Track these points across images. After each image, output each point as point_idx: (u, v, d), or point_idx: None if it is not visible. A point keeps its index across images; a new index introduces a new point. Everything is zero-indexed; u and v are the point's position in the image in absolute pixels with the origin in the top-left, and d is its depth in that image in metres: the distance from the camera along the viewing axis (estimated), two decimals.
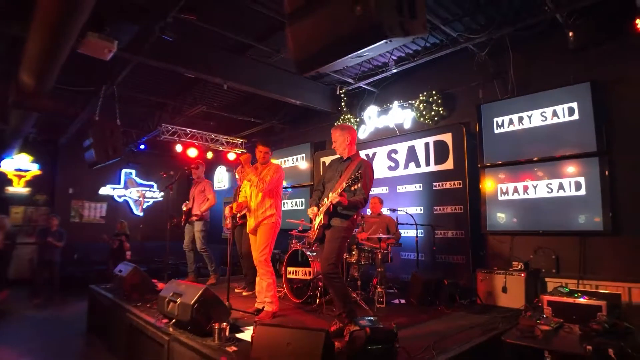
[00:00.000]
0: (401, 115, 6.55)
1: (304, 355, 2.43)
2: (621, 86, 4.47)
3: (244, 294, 5.59)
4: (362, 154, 6.91)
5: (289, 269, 5.18)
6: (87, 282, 7.70)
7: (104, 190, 9.91)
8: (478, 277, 4.92)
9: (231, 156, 8.97)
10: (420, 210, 5.84)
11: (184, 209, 6.23)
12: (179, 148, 8.07)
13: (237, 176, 4.84)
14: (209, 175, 10.57)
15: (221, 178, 10.51)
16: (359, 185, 3.41)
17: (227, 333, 3.19)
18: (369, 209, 5.75)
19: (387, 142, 6.55)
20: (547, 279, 4.75)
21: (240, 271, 6.04)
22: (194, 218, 6.15)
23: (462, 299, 4.84)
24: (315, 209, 3.64)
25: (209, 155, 8.80)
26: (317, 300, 4.67)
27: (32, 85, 4.35)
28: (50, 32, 3.37)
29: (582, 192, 4.55)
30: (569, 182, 4.66)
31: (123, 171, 10.10)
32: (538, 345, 3.07)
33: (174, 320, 3.50)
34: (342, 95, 7.29)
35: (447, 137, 5.72)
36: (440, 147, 5.79)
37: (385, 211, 5.63)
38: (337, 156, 3.84)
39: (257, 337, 2.55)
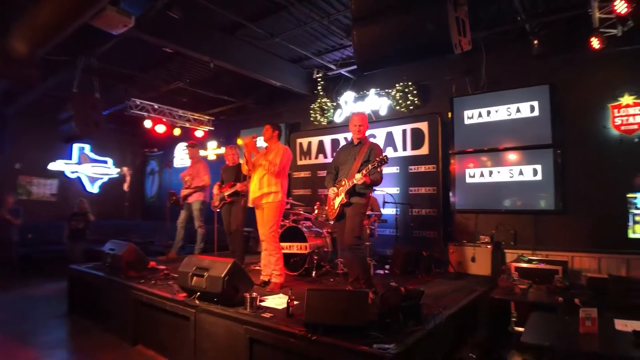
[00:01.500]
0: (377, 102, 7.02)
1: (353, 310, 2.83)
2: (572, 90, 5.32)
3: None
4: (341, 136, 7.35)
5: (283, 244, 5.46)
6: (47, 263, 7.40)
7: (55, 166, 9.24)
8: (450, 249, 5.65)
9: (198, 133, 8.87)
10: (397, 190, 6.42)
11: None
12: (148, 124, 7.84)
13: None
14: (170, 153, 10.31)
15: (182, 155, 10.28)
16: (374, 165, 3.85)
17: (258, 302, 3.49)
18: None
19: (370, 126, 6.98)
20: (506, 250, 5.59)
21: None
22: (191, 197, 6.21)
23: (437, 269, 5.55)
24: (335, 189, 4.00)
25: (176, 132, 8.63)
26: (314, 272, 5.08)
27: (22, 54, 4.09)
28: (72, 3, 3.26)
29: (539, 177, 5.40)
30: (527, 169, 5.49)
31: (75, 145, 9.46)
32: (520, 299, 3.79)
33: (198, 294, 3.69)
34: (319, 80, 7.57)
35: (423, 126, 6.32)
36: (417, 134, 6.38)
37: None
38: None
39: (309, 300, 2.89)
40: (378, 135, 6.82)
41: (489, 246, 5.34)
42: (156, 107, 7.94)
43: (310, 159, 7.74)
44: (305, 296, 2.94)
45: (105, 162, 10.08)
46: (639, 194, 4.67)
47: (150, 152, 10.36)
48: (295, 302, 3.33)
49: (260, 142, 5.02)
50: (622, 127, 4.97)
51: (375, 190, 6.03)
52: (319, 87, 7.62)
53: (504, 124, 5.70)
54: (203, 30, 5.83)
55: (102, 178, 9.88)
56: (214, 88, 7.98)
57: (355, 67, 6.95)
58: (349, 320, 2.82)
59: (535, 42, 5.39)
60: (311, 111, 7.78)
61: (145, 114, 7.76)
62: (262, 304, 3.67)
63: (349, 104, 7.36)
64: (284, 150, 4.59)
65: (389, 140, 6.68)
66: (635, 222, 4.69)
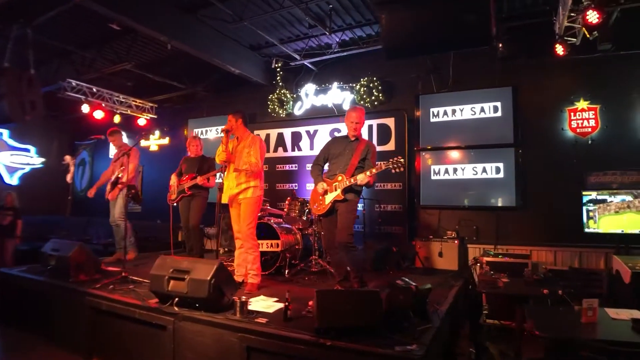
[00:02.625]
0: (340, 96, 6.91)
1: (366, 311, 2.67)
2: (533, 93, 5.65)
3: None
4: (302, 130, 7.13)
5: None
6: None
7: None
8: (417, 244, 5.72)
9: (141, 121, 8.08)
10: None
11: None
12: (85, 108, 6.93)
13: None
14: (104, 142, 9.26)
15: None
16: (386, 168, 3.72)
17: (248, 307, 3.18)
18: None
19: (330, 120, 6.86)
20: (468, 245, 5.79)
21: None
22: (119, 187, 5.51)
23: (405, 264, 5.59)
24: (324, 184, 3.79)
25: (116, 119, 7.78)
26: (286, 271, 4.82)
27: None
28: None
29: (501, 175, 5.66)
30: (490, 167, 5.72)
31: None
32: (502, 292, 3.89)
33: (176, 299, 3.27)
34: (278, 70, 7.27)
35: (390, 121, 6.33)
36: (383, 129, 6.37)
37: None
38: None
39: (321, 302, 2.67)
40: (343, 130, 6.68)
41: (455, 241, 5.48)
42: (94, 90, 7.05)
43: (268, 152, 7.40)
44: (315, 298, 2.71)
45: (27, 150, 8.79)
46: (593, 192, 5.09)
47: (81, 141, 9.25)
48: (286, 304, 3.08)
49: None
50: (578, 130, 5.38)
51: None
52: (278, 78, 7.32)
53: (469, 123, 5.89)
54: (162, 6, 5.26)
55: (23, 169, 8.59)
56: (162, 72, 7.29)
57: (317, 59, 6.79)
58: (361, 321, 2.66)
59: (500, 45, 5.64)
60: (269, 102, 7.45)
61: (82, 97, 6.86)
62: (251, 307, 3.36)
63: (310, 96, 7.16)
64: (259, 143, 4.27)
65: None
66: (589, 218, 5.09)
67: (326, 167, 4.13)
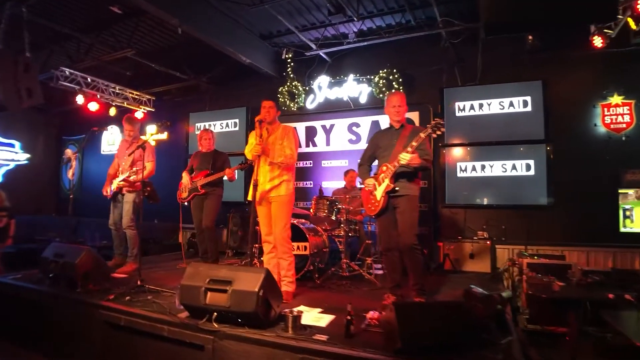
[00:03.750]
0: (356, 89, 6.55)
1: (453, 326, 2.35)
2: (564, 87, 5.44)
3: None
4: (317, 124, 6.75)
5: None
6: None
7: None
8: (444, 245, 5.44)
9: (138, 115, 7.52)
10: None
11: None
12: (80, 99, 6.34)
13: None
14: (96, 137, 8.64)
15: (113, 140, 8.70)
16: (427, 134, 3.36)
17: (301, 321, 2.79)
18: (345, 183, 5.68)
19: (347, 114, 6.51)
20: (496, 246, 5.54)
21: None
22: (126, 188, 4.95)
23: (432, 266, 5.31)
24: (372, 180, 3.44)
25: (112, 111, 7.21)
26: (316, 276, 4.44)
27: None
28: None
29: (532, 172, 5.43)
30: (520, 164, 5.48)
31: None
32: (563, 296, 3.61)
33: (215, 314, 2.85)
34: (289, 60, 6.86)
35: (414, 115, 6.01)
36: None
37: (358, 185, 5.65)
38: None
39: (402, 317, 2.31)
40: (362, 124, 6.37)
41: (487, 242, 5.23)
42: (89, 80, 6.47)
43: None
44: (393, 313, 2.35)
45: (12, 145, 8.07)
46: (629, 190, 4.91)
47: (70, 136, 8.58)
48: (349, 319, 2.71)
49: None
50: (612, 126, 5.19)
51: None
52: (289, 69, 6.90)
53: (497, 118, 5.64)
54: None
55: (7, 165, 7.88)
56: (164, 61, 6.77)
57: (335, 49, 6.41)
58: (448, 337, 2.33)
59: (530, 37, 5.40)
60: (279, 95, 7.01)
61: (77, 87, 6.27)
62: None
63: (323, 89, 6.77)
64: (293, 133, 3.88)
65: (375, 129, 6.23)
66: (625, 217, 4.92)
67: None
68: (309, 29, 6.24)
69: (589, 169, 5.21)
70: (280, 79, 7.05)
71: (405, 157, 3.20)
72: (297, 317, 2.75)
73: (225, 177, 4.94)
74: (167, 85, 7.53)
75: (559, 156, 5.36)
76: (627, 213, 4.90)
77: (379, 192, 3.41)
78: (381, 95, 6.30)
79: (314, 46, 6.36)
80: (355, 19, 5.50)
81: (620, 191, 4.92)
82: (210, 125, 7.53)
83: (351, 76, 6.57)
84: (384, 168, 3.40)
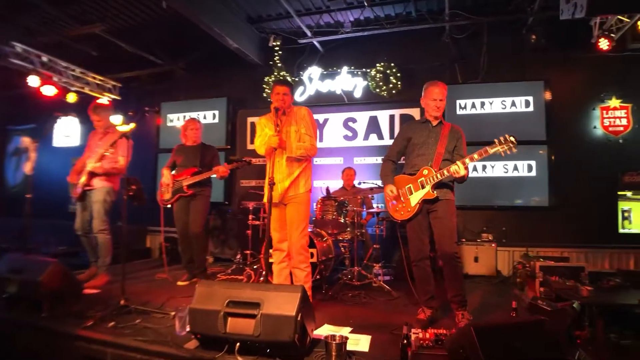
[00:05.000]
0: (351, 82, 6.17)
1: (534, 346, 2.05)
2: (565, 88, 5.39)
3: (179, 283, 4.42)
4: None
5: (272, 251, 4.25)
6: None
7: None
8: None
9: (102, 102, 6.63)
10: (380, 183, 5.70)
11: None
12: (34, 81, 5.42)
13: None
14: (47, 126, 7.57)
15: (68, 131, 7.68)
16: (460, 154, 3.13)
17: (346, 347, 2.37)
18: (343, 182, 5.29)
19: (342, 109, 6.11)
20: (497, 248, 5.40)
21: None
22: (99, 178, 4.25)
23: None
24: (390, 188, 3.09)
25: (71, 98, 6.30)
26: (325, 286, 4.03)
27: None
28: None
29: (533, 173, 5.33)
30: (522, 165, 5.38)
31: None
32: (593, 302, 3.45)
33: (238, 345, 2.35)
34: (277, 49, 6.33)
35: (414, 112, 5.73)
36: (407, 121, 5.75)
37: (356, 184, 5.29)
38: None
39: (483, 344, 1.97)
40: (359, 120, 6.00)
41: (492, 245, 5.07)
42: (45, 60, 5.55)
43: None
44: (473, 335, 1.99)
45: None
46: (628, 192, 4.94)
47: (16, 126, 7.46)
48: (404, 342, 2.33)
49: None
50: (610, 129, 5.21)
51: (363, 183, 5.29)
52: (276, 58, 6.36)
53: (499, 117, 5.50)
54: None
55: None
56: (137, 42, 5.99)
57: (331, 37, 5.99)
58: None
59: (533, 36, 5.29)
60: (264, 85, 6.47)
61: (30, 66, 5.35)
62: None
63: (314, 81, 6.31)
64: (310, 115, 3.41)
65: (373, 126, 5.93)
66: (624, 218, 4.94)
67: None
68: (303, 15, 5.76)
69: (589, 171, 5.20)
70: (266, 68, 6.50)
71: (459, 171, 2.88)
72: (342, 345, 2.32)
73: (213, 176, 4.37)
74: (137, 70, 6.72)
75: (560, 157, 5.31)
76: (626, 214, 4.93)
77: (415, 198, 3.05)
78: (377, 90, 5.97)
79: (309, 33, 5.89)
80: (364, 2, 5.06)
81: (619, 193, 4.93)
82: (184, 117, 6.82)
83: (345, 68, 6.17)
84: (425, 172, 3.04)
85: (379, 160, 5.83)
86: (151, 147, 6.86)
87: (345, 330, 2.89)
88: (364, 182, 5.38)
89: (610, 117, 5.21)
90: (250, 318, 2.34)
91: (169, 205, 4.54)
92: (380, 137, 5.87)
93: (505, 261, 5.34)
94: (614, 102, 5.21)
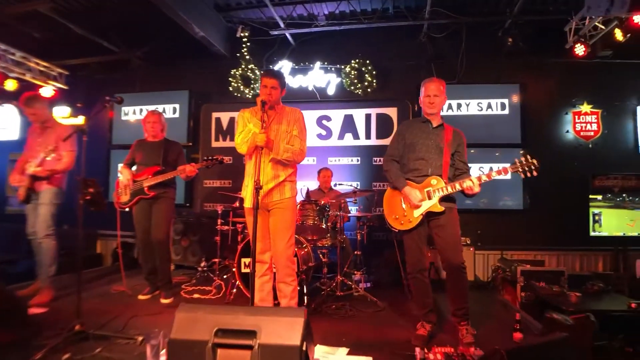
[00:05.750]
0: (324, 78, 5.88)
1: None
2: (537, 92, 5.43)
3: (141, 297, 3.96)
4: None
5: (245, 260, 3.88)
6: None
7: None
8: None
9: (46, 92, 5.88)
10: (357, 185, 5.46)
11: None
12: None
13: None
14: None
15: (5, 123, 6.73)
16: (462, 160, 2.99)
17: None
18: (320, 184, 4.99)
19: (315, 106, 5.79)
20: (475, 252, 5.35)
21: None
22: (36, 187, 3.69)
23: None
24: (417, 192, 2.81)
25: (9, 85, 5.51)
26: (305, 298, 3.70)
27: None
28: None
29: (508, 176, 5.31)
30: (497, 167, 5.33)
31: None
32: (583, 309, 3.39)
33: None
34: (245, 40, 5.90)
35: (391, 112, 5.55)
36: (384, 121, 5.56)
37: (334, 186, 5.02)
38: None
39: None
40: (334, 118, 5.72)
41: (471, 249, 4.99)
42: None
43: (232, 140, 5.94)
44: None
45: None
46: (598, 195, 5.05)
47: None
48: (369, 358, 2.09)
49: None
50: (582, 133, 5.31)
51: (339, 184, 5.06)
52: (244, 50, 5.93)
53: (475, 120, 5.45)
54: None
55: None
56: (90, 25, 5.31)
57: (305, 30, 5.66)
58: None
59: (510, 39, 5.28)
60: (231, 79, 6.01)
61: None
62: None
63: (285, 76, 5.93)
64: (302, 119, 3.07)
65: (348, 125, 5.66)
66: (595, 221, 5.05)
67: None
68: (276, 4, 5.38)
69: (562, 175, 5.27)
70: (232, 60, 6.04)
71: (473, 188, 2.73)
72: None
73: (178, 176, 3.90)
74: (88, 57, 5.99)
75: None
76: (596, 218, 5.03)
77: (420, 209, 2.81)
78: (352, 88, 5.72)
79: (282, 24, 5.52)
80: None
81: (590, 196, 5.03)
82: (141, 110, 6.20)
83: (318, 63, 5.86)
84: (434, 181, 2.81)
85: (354, 160, 5.60)
86: (103, 143, 6.17)
87: (341, 352, 2.60)
88: (339, 184, 5.15)
89: (581, 122, 5.32)
90: (245, 349, 1.97)
91: (127, 209, 4.01)
92: (356, 136, 5.63)
93: (481, 265, 5.30)
94: (585, 108, 5.32)
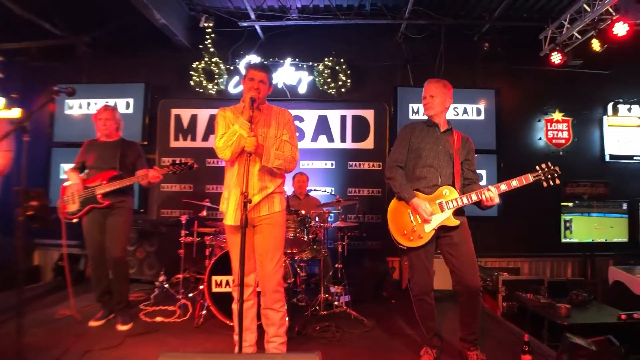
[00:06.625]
0: (294, 75, 5.52)
1: None
2: (511, 98, 5.43)
3: (93, 324, 3.39)
4: None
5: (217, 278, 3.44)
6: None
7: None
8: (392, 262, 4.93)
9: None
10: (332, 191, 5.14)
11: None
12: None
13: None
14: None
15: None
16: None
17: None
18: (295, 189, 4.62)
19: (286, 105, 5.17)
20: None
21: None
22: None
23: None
24: (426, 204, 2.53)
25: None
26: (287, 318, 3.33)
27: None
28: None
29: (483, 182, 5.25)
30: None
31: None
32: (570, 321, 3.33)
33: None
34: (209, 30, 5.41)
35: (368, 114, 5.29)
36: (360, 123, 5.29)
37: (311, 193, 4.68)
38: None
39: None
40: (307, 119, 5.36)
41: None
42: None
43: (194, 139, 5.45)
44: None
45: None
46: (569, 203, 5.12)
47: None
48: None
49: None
50: (553, 141, 5.37)
51: (314, 190, 4.74)
52: (208, 42, 5.43)
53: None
54: None
55: None
56: (31, 4, 4.56)
57: (276, 23, 5.26)
58: None
59: (486, 44, 5.23)
60: (192, 73, 5.47)
61: None
62: None
63: None
64: (292, 118, 2.67)
65: (322, 126, 5.33)
66: (566, 228, 5.11)
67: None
68: None
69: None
70: (194, 52, 5.50)
71: (494, 199, 2.53)
72: None
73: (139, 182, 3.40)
74: (26, 41, 5.18)
75: (509, 167, 5.32)
76: (568, 224, 5.10)
77: (433, 223, 2.55)
78: (325, 87, 5.42)
79: (253, 15, 5.08)
80: None
81: (562, 203, 5.09)
82: (88, 104, 5.49)
83: (289, 60, 5.49)
84: (446, 192, 2.55)
85: (328, 164, 5.29)
86: (42, 140, 5.37)
87: None
88: (315, 189, 4.83)
89: (553, 129, 5.38)
90: None
91: (74, 220, 3.42)
92: (331, 139, 5.31)
93: None
94: (557, 115, 5.39)
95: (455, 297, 2.69)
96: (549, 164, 2.58)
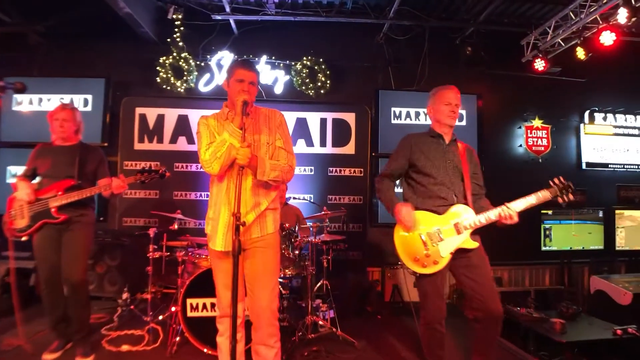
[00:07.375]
0: (270, 75, 5.18)
1: None
2: (492, 104, 5.36)
3: (47, 357, 2.97)
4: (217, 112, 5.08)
5: (192, 301, 3.08)
6: None
7: None
8: (387, 273, 4.71)
9: None
10: (310, 198, 4.88)
11: None
12: None
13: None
14: None
15: None
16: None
17: None
18: None
19: (262, 106, 5.02)
20: None
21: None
22: None
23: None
24: (411, 211, 2.32)
25: None
26: None
27: None
28: None
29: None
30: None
31: None
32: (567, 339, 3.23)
33: None
34: (177, 23, 4.98)
35: (349, 117, 5.04)
36: (341, 127, 5.03)
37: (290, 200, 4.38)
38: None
39: None
40: (312, 121, 5.06)
41: None
42: None
43: (161, 141, 4.99)
44: None
45: None
46: (549, 210, 5.12)
47: None
48: None
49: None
50: (533, 148, 5.35)
51: (293, 198, 4.47)
52: (176, 35, 5.00)
53: None
54: None
55: None
56: None
57: (252, 17, 4.91)
58: None
59: (469, 48, 5.14)
60: (159, 68, 5.01)
61: None
62: None
63: (224, 68, 5.12)
64: (284, 120, 2.39)
65: (301, 129, 5.03)
66: (545, 236, 5.11)
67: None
68: None
69: (517, 189, 5.15)
70: (162, 46, 5.05)
71: (514, 217, 2.39)
72: None
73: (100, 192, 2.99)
74: None
75: (490, 174, 5.19)
76: (547, 232, 5.10)
77: (449, 246, 2.33)
78: (303, 88, 5.13)
79: (228, 8, 4.69)
80: None
81: (542, 211, 5.08)
82: (40, 100, 4.90)
83: (264, 58, 5.15)
84: (461, 211, 2.34)
85: (307, 170, 5.00)
86: None
87: None
88: (294, 198, 4.55)
89: (533, 136, 5.37)
90: None
91: (24, 238, 2.95)
92: (310, 143, 5.02)
93: None
94: (537, 122, 5.38)
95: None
96: (562, 178, 2.45)
